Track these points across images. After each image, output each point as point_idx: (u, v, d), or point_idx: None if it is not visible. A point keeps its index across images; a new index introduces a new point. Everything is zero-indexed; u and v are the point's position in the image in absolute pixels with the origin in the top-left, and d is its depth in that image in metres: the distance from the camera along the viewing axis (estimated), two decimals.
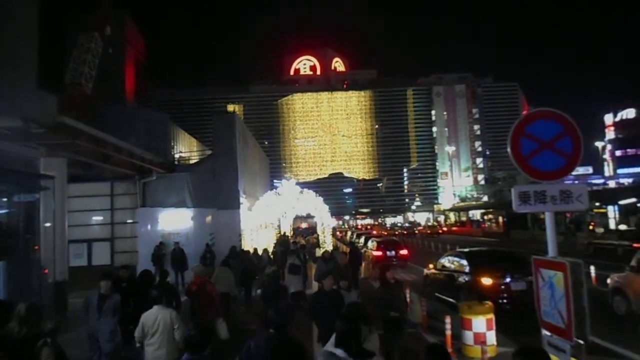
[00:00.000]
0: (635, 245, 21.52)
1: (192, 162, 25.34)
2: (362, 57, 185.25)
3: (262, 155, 35.88)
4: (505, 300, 10.57)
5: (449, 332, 8.49)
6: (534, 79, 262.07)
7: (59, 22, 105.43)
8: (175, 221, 21.03)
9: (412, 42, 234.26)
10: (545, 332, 4.03)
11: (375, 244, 23.96)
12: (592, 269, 15.02)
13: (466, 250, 13.72)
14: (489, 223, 52.33)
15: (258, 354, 3.57)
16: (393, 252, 22.74)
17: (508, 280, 10.77)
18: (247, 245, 22.39)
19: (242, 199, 21.85)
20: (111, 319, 7.54)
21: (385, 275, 8.15)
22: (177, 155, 31.81)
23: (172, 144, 32.74)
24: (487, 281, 10.81)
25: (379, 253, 22.80)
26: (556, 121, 4.21)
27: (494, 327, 8.27)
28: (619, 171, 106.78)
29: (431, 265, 14.19)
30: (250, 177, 25.69)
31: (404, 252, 22.93)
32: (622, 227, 31.00)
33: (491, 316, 8.28)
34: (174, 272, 19.57)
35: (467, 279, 11.61)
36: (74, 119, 12.93)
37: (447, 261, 13.22)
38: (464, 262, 12.13)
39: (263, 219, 25.38)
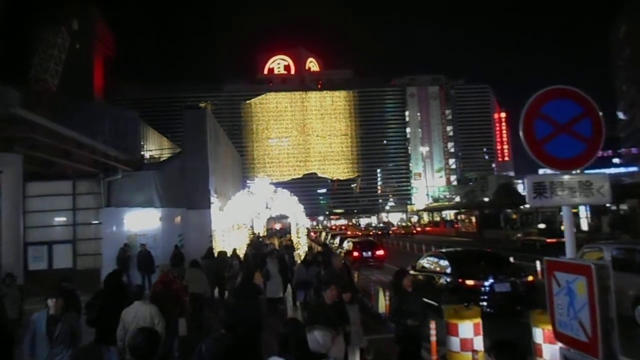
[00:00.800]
0: (549, 240, 28.38)
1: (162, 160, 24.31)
2: (336, 57, 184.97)
3: (234, 153, 34.98)
4: (488, 303, 10.11)
5: (433, 339, 7.93)
6: (505, 81, 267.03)
7: (25, 16, 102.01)
8: (142, 222, 20.07)
9: (386, 43, 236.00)
10: (561, 345, 3.47)
11: (351, 244, 23.42)
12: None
13: (447, 250, 13.27)
14: (462, 223, 52.46)
15: (207, 356, 3.34)
16: (369, 253, 22.24)
17: (491, 281, 10.31)
18: (219, 246, 21.59)
19: (213, 199, 21.00)
20: (66, 350, 5.95)
21: (402, 282, 6.97)
22: (147, 155, 30.77)
23: (142, 142, 31.71)
24: (469, 282, 10.32)
25: (356, 254, 22.28)
26: (575, 101, 3.61)
27: (482, 332, 7.74)
28: (587, 172, 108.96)
29: (410, 267, 13.66)
30: (222, 175, 24.83)
31: (380, 252, 22.47)
32: (542, 225, 36.06)
33: (479, 320, 7.76)
34: (140, 275, 18.71)
35: (448, 280, 11.13)
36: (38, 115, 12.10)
37: (427, 262, 12.74)
38: (445, 263, 11.65)
39: (235, 220, 24.57)
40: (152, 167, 21.34)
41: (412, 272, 13.32)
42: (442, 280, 11.40)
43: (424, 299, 12.27)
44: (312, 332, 3.78)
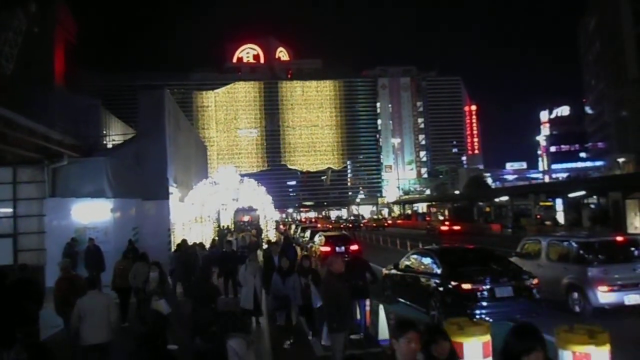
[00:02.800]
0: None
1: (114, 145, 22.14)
2: (307, 47, 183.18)
3: (198, 141, 32.85)
4: (488, 310, 8.64)
5: None
6: (476, 74, 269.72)
7: None
8: (91, 214, 18.00)
9: (357, 34, 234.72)
10: None
11: (323, 238, 21.76)
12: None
13: (436, 247, 11.75)
14: (434, 216, 51.55)
15: None
16: (343, 248, 20.63)
17: (491, 284, 8.82)
18: (178, 241, 19.70)
19: (172, 189, 19.03)
20: None
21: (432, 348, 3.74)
22: (110, 144, 28.54)
23: (104, 131, 29.37)
24: (466, 286, 8.81)
25: (327, 249, 20.66)
26: None
27: (492, 353, 6.24)
28: (553, 166, 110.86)
29: (391, 265, 12.13)
30: (184, 163, 22.80)
31: (354, 247, 20.87)
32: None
33: (488, 339, 6.26)
34: (88, 273, 16.68)
35: (438, 282, 9.61)
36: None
37: (412, 261, 11.19)
38: (435, 262, 10.11)
39: (198, 212, 22.64)
40: (102, 152, 19.13)
41: (394, 271, 11.83)
42: (430, 283, 9.87)
43: (407, 303, 10.85)
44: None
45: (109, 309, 6.59)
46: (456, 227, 40.53)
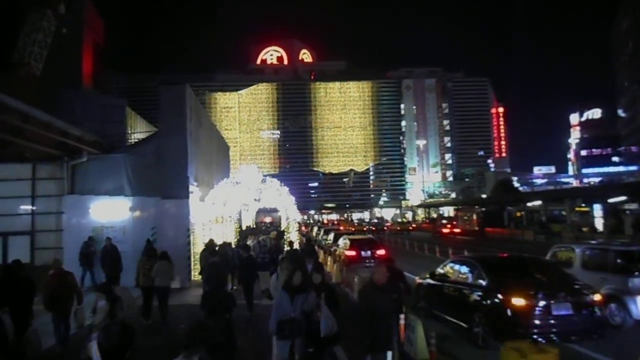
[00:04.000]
0: None
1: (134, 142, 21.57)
2: (330, 49, 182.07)
3: (221, 140, 32.17)
4: (542, 330, 7.58)
5: None
6: (504, 75, 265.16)
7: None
8: (109, 212, 17.47)
9: (381, 35, 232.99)
10: None
11: (348, 242, 20.80)
12: None
13: (480, 255, 10.67)
14: (461, 221, 50.05)
15: None
16: (369, 253, 19.65)
17: (546, 300, 7.74)
18: (198, 242, 18.96)
19: (192, 187, 18.29)
20: None
21: None
22: (134, 143, 28.36)
23: (130, 131, 29.10)
24: (518, 301, 7.74)
25: (352, 253, 19.71)
26: None
27: None
28: (584, 171, 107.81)
29: (426, 274, 11.11)
30: (205, 162, 22.09)
31: (381, 252, 19.89)
32: None
33: None
34: (104, 273, 16.07)
35: (483, 295, 8.56)
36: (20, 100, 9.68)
37: (450, 269, 10.15)
38: (478, 271, 9.05)
39: (219, 212, 21.88)
40: (122, 149, 18.53)
41: (429, 280, 10.81)
42: (473, 296, 8.83)
43: (445, 316, 9.81)
44: None
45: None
46: (456, 230, 44.21)
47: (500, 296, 8.13)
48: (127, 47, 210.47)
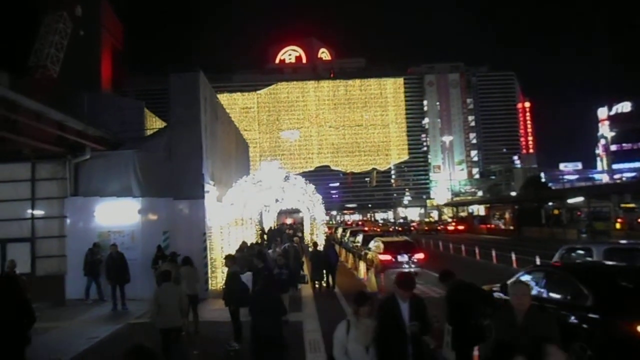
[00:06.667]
0: None
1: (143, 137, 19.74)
2: (349, 46, 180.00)
3: (239, 137, 30.29)
4: None
5: None
6: (530, 70, 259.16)
7: (27, 1, 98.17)
8: (116, 215, 15.72)
9: (401, 31, 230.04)
10: None
11: (380, 245, 18.62)
12: None
13: (574, 264, 8.44)
14: (494, 220, 47.41)
15: None
16: (406, 257, 17.50)
17: None
18: (215, 247, 17.07)
19: (208, 187, 16.37)
20: None
21: None
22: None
23: (147, 133, 27.66)
24: None
25: (387, 257, 17.57)
26: None
27: None
28: (615, 166, 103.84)
29: (495, 286, 8.92)
30: (222, 159, 20.17)
31: (420, 256, 17.75)
32: None
33: None
34: (110, 285, 14.27)
35: (587, 317, 6.39)
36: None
37: (532, 283, 7.93)
38: (575, 286, 6.86)
39: (239, 213, 20.00)
40: (130, 145, 16.70)
41: (500, 294, 8.60)
42: (570, 319, 6.64)
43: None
44: None
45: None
46: (460, 227, 46.03)
47: (614, 321, 5.96)
48: (146, 49, 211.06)
